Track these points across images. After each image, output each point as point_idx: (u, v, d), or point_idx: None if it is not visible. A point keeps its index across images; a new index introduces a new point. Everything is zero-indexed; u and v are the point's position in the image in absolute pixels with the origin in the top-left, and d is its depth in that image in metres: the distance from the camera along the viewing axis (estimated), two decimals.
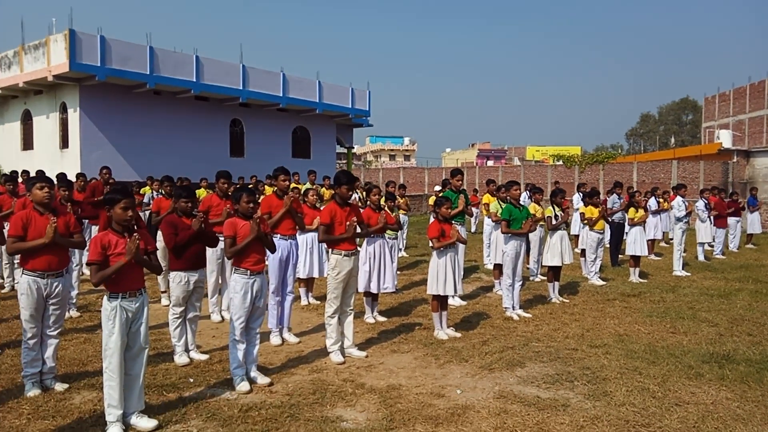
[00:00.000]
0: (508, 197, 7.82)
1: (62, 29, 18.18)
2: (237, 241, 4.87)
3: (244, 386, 4.67)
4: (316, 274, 7.83)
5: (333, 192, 5.90)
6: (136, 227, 4.19)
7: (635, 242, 9.96)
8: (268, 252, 5.25)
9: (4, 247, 6.38)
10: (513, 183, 7.62)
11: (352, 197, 10.43)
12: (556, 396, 4.55)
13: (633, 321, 6.97)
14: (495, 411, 4.27)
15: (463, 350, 5.73)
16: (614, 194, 11.82)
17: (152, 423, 3.98)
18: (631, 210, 10.23)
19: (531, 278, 9.72)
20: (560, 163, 35.85)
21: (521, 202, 7.74)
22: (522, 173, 35.00)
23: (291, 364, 5.39)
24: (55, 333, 4.72)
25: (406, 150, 77.23)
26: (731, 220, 14.13)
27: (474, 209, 17.34)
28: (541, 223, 8.52)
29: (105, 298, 3.98)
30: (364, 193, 8.25)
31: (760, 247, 14.99)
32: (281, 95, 23.59)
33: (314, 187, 10.49)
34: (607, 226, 12.21)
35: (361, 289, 6.93)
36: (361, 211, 6.50)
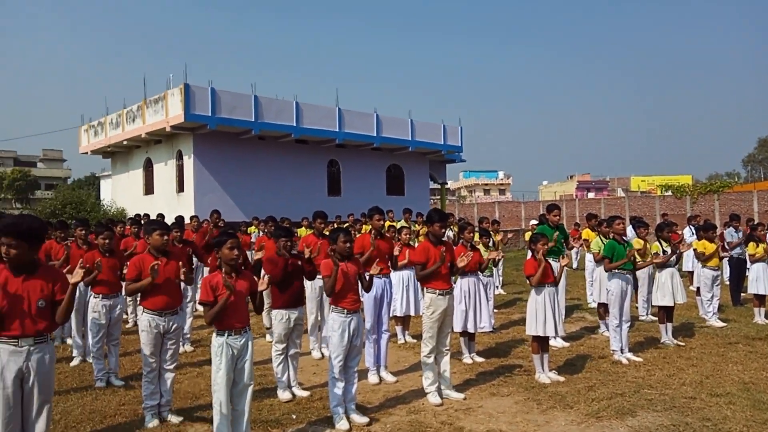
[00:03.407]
0: (611, 233, 7.46)
1: (178, 84, 19.99)
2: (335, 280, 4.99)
3: (343, 425, 4.73)
4: (412, 312, 7.85)
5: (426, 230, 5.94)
6: (242, 267, 4.45)
7: (758, 279, 9.09)
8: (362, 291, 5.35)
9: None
10: (615, 217, 7.27)
11: (446, 234, 10.44)
12: None
13: (759, 367, 6.30)
14: None
15: (568, 395, 5.46)
16: (731, 227, 10.91)
17: None
18: (751, 245, 9.37)
19: (641, 318, 9.12)
20: (669, 193, 33.70)
21: (625, 238, 7.35)
22: (626, 205, 33.27)
23: (389, 403, 5.39)
24: (171, 367, 5.06)
25: (501, 184, 76.15)
26: None
27: (575, 244, 16.68)
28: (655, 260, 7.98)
29: (214, 334, 4.23)
30: (457, 230, 8.20)
31: None
32: (375, 135, 24.30)
33: (408, 225, 10.61)
34: (726, 262, 11.27)
35: (457, 329, 6.85)
36: (455, 248, 6.47)
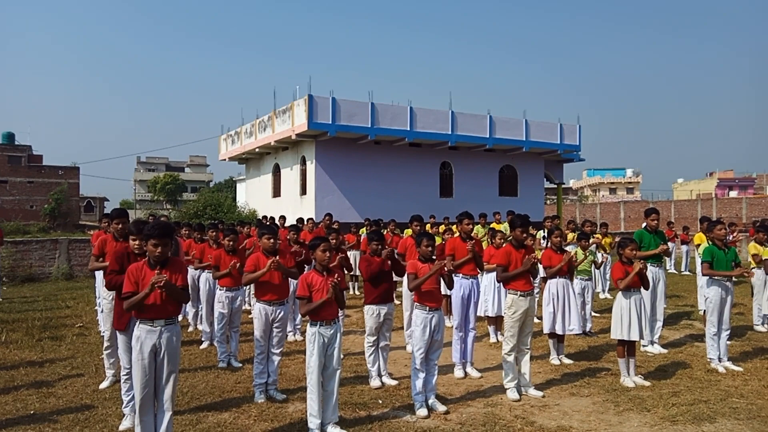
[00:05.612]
0: (713, 238, 7.18)
1: (303, 95, 21.57)
2: (418, 277, 5.45)
3: (422, 412, 5.20)
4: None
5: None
6: (343, 269, 5.07)
7: None
8: (446, 290, 5.78)
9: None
10: (717, 222, 7.01)
11: (536, 237, 10.50)
12: None
13: None
14: None
15: (648, 399, 5.48)
16: None
17: None
18: None
19: (755, 328, 8.56)
20: None
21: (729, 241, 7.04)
22: None
23: (469, 396, 5.76)
24: (277, 351, 5.85)
25: (629, 182, 71.56)
26: None
27: (686, 247, 16.18)
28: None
29: (308, 324, 4.90)
30: (547, 233, 8.32)
31: None
32: (488, 136, 24.32)
33: (502, 230, 10.77)
34: None
35: (546, 330, 7.03)
36: (543, 251, 6.66)
